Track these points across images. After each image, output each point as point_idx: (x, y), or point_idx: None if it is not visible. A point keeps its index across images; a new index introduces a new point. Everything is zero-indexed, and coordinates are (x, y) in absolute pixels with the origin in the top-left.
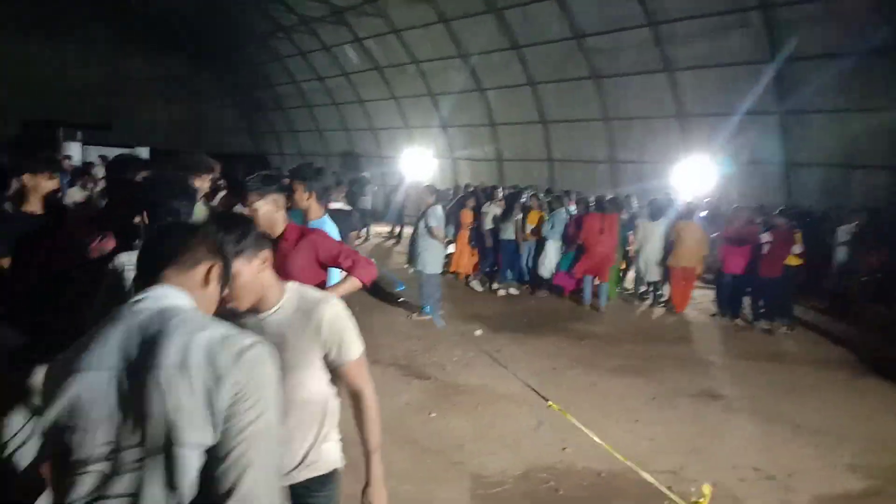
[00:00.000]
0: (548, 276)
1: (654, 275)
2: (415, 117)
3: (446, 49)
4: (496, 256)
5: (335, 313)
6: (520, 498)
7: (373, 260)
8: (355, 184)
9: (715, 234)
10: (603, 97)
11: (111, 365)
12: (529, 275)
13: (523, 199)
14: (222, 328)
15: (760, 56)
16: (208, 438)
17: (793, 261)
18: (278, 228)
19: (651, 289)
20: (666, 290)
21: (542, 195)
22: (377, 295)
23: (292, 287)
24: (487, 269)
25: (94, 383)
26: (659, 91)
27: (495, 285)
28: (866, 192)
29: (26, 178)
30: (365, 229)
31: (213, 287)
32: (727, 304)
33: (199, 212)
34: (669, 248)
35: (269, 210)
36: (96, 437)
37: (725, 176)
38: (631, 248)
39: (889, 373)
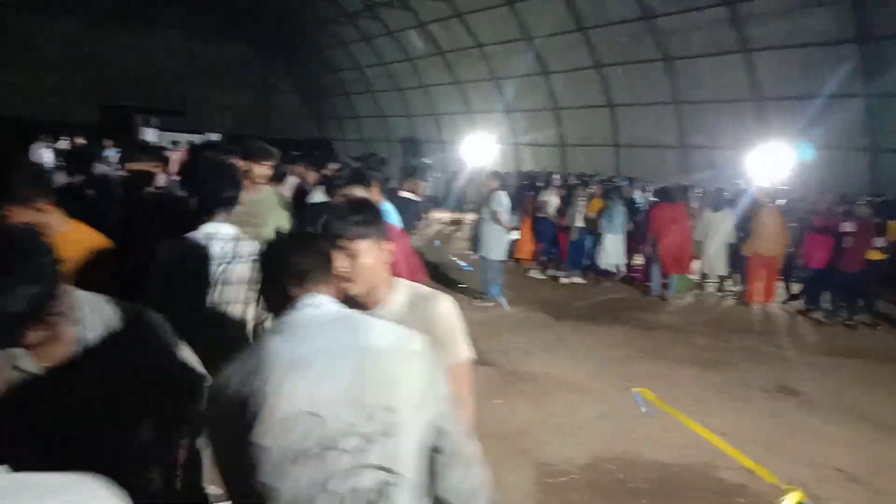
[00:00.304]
0: (606, 268)
1: (720, 267)
2: (477, 102)
3: (511, 32)
4: (558, 244)
5: (449, 310)
6: (585, 488)
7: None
8: (417, 170)
9: (793, 224)
10: (673, 80)
11: (326, 349)
12: (590, 264)
13: (591, 189)
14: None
15: (845, 35)
16: (436, 415)
17: (874, 255)
18: None
19: (719, 280)
20: (734, 282)
21: (602, 182)
22: (439, 280)
23: (403, 283)
24: (545, 258)
25: (317, 368)
26: (733, 73)
27: (557, 273)
28: None
29: (241, 163)
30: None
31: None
32: (806, 296)
33: (270, 197)
34: (744, 237)
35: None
36: (334, 419)
37: (804, 163)
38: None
39: None
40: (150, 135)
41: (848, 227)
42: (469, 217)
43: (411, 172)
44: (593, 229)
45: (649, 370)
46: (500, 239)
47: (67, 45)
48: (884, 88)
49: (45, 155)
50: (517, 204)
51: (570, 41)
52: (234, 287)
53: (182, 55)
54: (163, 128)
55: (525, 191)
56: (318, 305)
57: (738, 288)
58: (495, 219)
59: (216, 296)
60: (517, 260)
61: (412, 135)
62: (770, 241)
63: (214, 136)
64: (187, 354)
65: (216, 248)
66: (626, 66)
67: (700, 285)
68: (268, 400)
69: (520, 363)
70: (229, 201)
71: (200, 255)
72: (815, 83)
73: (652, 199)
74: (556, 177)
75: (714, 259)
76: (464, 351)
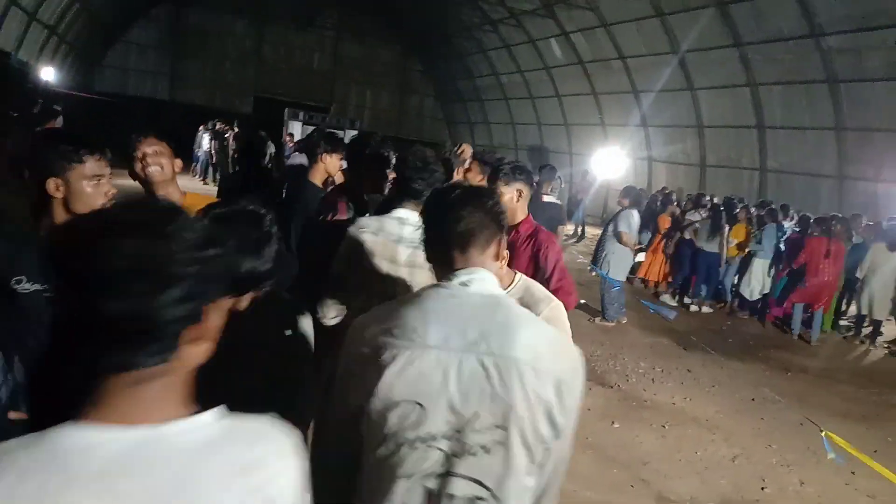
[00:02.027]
0: (751, 297)
1: (881, 311)
2: (612, 114)
3: (657, 44)
4: (692, 268)
5: (556, 316)
6: None
7: (576, 293)
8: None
9: None
10: (838, 104)
11: (458, 346)
12: (731, 293)
13: (735, 211)
14: (554, 330)
15: None
16: (549, 439)
17: None
18: (517, 218)
19: (873, 326)
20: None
21: (753, 208)
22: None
23: (522, 278)
24: (681, 282)
25: (442, 362)
26: None
27: (687, 299)
28: None
29: (324, 156)
30: (580, 227)
31: (500, 262)
32: None
33: None
34: None
35: (511, 198)
36: (437, 416)
37: None
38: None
39: None
40: (296, 128)
41: None
42: (592, 231)
43: (549, 174)
44: (737, 255)
45: (790, 417)
46: (624, 258)
47: (235, 41)
48: None
49: (204, 139)
50: (649, 222)
51: (722, 56)
52: (424, 272)
53: (332, 54)
54: (307, 122)
55: (659, 209)
56: (476, 283)
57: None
58: (619, 239)
59: (407, 277)
60: (645, 281)
61: (541, 143)
62: None
63: (353, 133)
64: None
65: (406, 232)
66: (784, 87)
67: (851, 329)
68: (385, 378)
69: (642, 389)
70: (418, 193)
71: (391, 234)
72: None
73: (808, 229)
74: (707, 198)
75: (876, 300)
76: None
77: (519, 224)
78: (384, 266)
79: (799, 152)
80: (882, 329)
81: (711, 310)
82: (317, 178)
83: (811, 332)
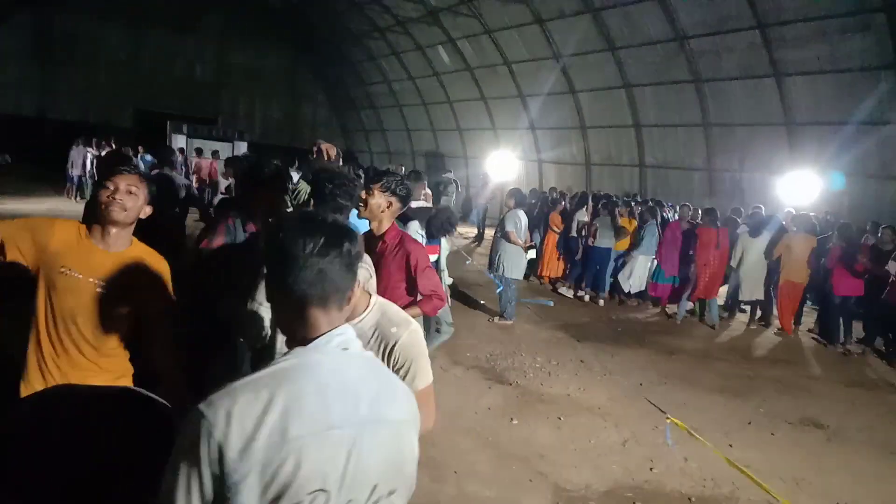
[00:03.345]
0: (631, 290)
1: (753, 293)
2: (502, 118)
3: (539, 50)
4: (584, 263)
5: (411, 339)
6: None
7: (447, 299)
8: (440, 184)
9: (827, 251)
10: (703, 102)
11: (356, 420)
12: (612, 286)
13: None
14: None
15: (883, 61)
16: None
17: None
18: (382, 227)
19: (748, 307)
20: (763, 309)
21: (633, 204)
22: (458, 297)
23: (377, 301)
24: (577, 276)
25: (345, 440)
26: (766, 97)
27: (580, 292)
28: None
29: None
30: (480, 229)
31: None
32: (836, 327)
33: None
34: (773, 264)
35: (379, 205)
36: (340, 498)
37: (837, 190)
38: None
39: None
40: (180, 141)
41: (893, 267)
42: (491, 233)
43: (417, 177)
44: (620, 249)
45: (673, 397)
46: (517, 258)
47: (109, 49)
48: None
49: (87, 156)
50: (540, 222)
51: (599, 60)
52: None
53: (218, 62)
54: (192, 135)
55: (552, 208)
56: (351, 344)
57: (764, 315)
58: (507, 239)
59: None
60: (541, 278)
61: (436, 149)
62: (798, 268)
63: (243, 145)
64: None
65: None
66: (655, 87)
67: (730, 309)
68: (283, 473)
69: (539, 384)
70: (341, 208)
71: None
72: (850, 109)
73: (698, 220)
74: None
75: (747, 284)
76: (425, 378)
77: (385, 233)
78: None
79: (672, 148)
80: (745, 308)
81: (603, 302)
82: None
83: (712, 316)
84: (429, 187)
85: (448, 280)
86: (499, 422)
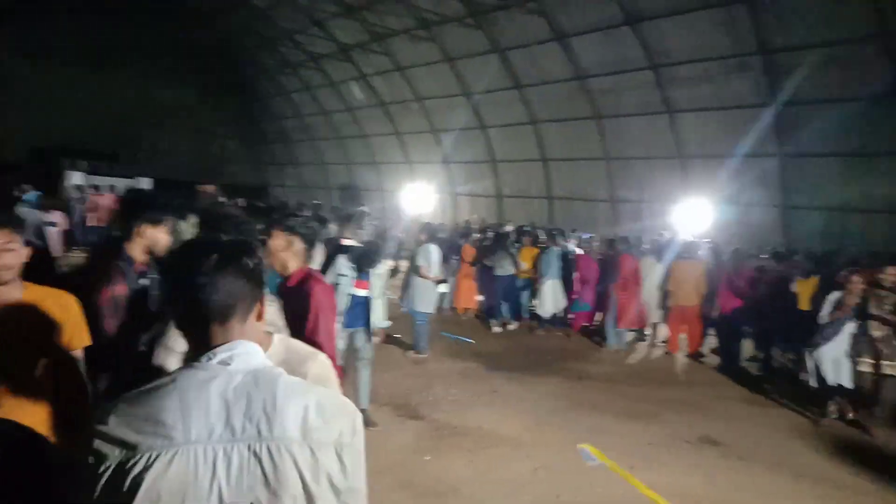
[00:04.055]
0: (545, 315)
1: (653, 316)
2: (416, 152)
3: (450, 87)
4: (493, 292)
5: (323, 372)
6: None
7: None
8: (354, 217)
9: (715, 275)
10: (604, 137)
11: (225, 436)
12: (528, 313)
13: (520, 237)
14: (323, 392)
15: (760, 100)
16: None
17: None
18: (288, 268)
19: (651, 330)
20: (663, 332)
21: (536, 232)
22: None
23: (279, 338)
24: (488, 306)
25: (209, 457)
26: (660, 132)
27: (492, 322)
28: (866, 236)
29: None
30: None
31: (260, 323)
32: (731, 347)
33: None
34: (665, 288)
35: (279, 245)
36: None
37: (725, 217)
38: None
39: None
40: (77, 178)
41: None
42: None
43: (347, 218)
44: (529, 278)
45: (582, 423)
46: (428, 292)
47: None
48: (795, 149)
49: None
50: (454, 253)
51: (507, 97)
52: None
53: (122, 98)
54: (92, 172)
55: (463, 240)
56: (238, 359)
57: (664, 338)
58: (419, 273)
59: None
60: (456, 310)
61: (351, 182)
62: (687, 292)
63: (146, 181)
64: None
65: None
66: (560, 123)
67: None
68: (143, 488)
69: (453, 417)
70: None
71: None
72: (734, 143)
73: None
74: (508, 228)
75: (649, 309)
76: None
77: (291, 275)
78: None
79: (578, 180)
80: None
81: (516, 328)
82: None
83: (608, 342)
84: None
85: (384, 322)
86: (413, 459)
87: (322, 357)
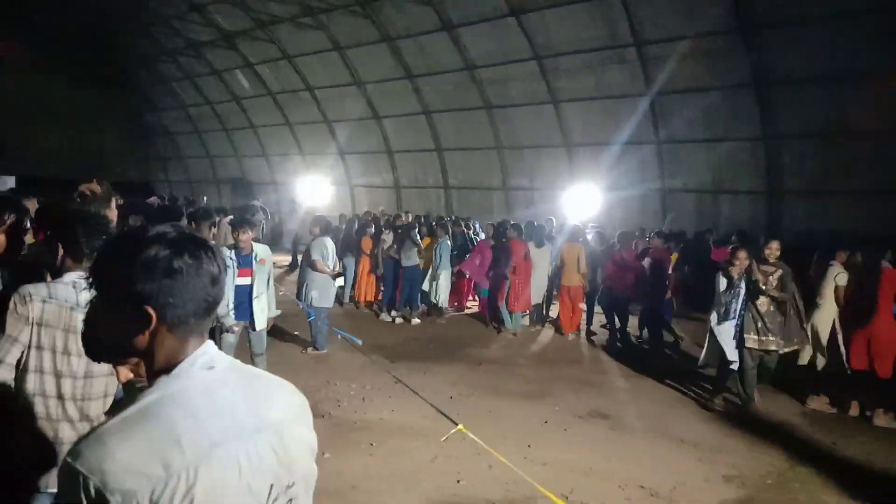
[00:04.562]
0: (441, 303)
1: (539, 298)
2: (310, 144)
3: (341, 76)
4: (397, 284)
5: None
6: None
7: None
8: (246, 211)
9: (601, 256)
10: (495, 126)
11: (240, 435)
12: (424, 302)
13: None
14: (278, 378)
15: (637, 90)
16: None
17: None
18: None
19: (541, 311)
20: (555, 313)
21: (433, 222)
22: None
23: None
24: (388, 298)
25: (232, 457)
26: (547, 121)
27: (393, 313)
28: (733, 216)
29: None
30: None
31: None
32: (611, 322)
33: None
34: (557, 270)
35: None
36: None
37: (609, 201)
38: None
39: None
40: None
41: (647, 262)
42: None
43: (206, 215)
44: (427, 267)
45: (481, 406)
46: (325, 286)
47: None
48: (670, 136)
49: None
50: (352, 246)
51: (399, 87)
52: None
53: None
54: None
55: (363, 231)
56: (212, 362)
57: (540, 317)
58: (314, 267)
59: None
60: (356, 302)
61: (242, 176)
62: (571, 272)
63: (10, 180)
64: None
65: (83, 298)
66: (452, 113)
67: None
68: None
69: (353, 412)
70: (90, 253)
71: (65, 300)
72: (616, 131)
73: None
74: (403, 217)
75: (535, 292)
76: None
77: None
78: (59, 338)
79: (472, 170)
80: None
81: (419, 320)
82: None
83: (506, 326)
84: (233, 215)
85: (273, 311)
86: None
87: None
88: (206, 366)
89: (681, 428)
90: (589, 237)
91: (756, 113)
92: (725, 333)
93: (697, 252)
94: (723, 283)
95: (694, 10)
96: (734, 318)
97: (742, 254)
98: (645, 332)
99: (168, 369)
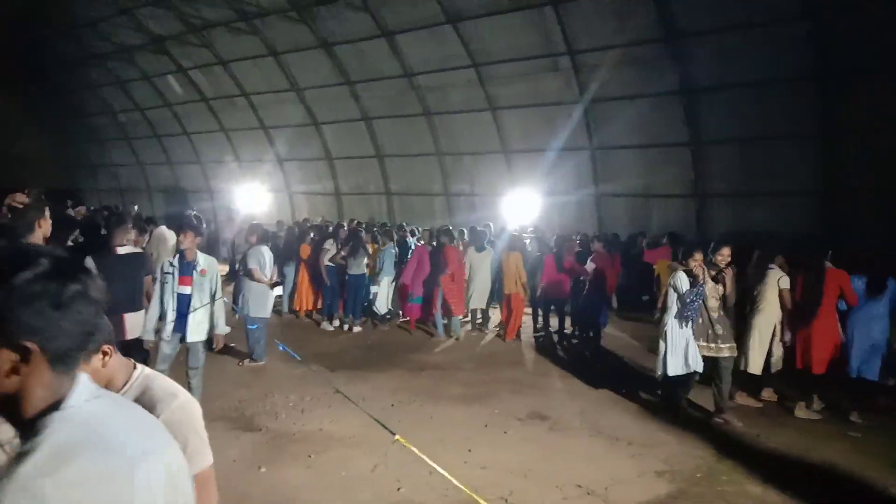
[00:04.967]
0: (380, 312)
1: (479, 303)
2: (247, 151)
3: (278, 82)
4: (340, 292)
5: (177, 417)
6: None
7: None
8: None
9: (538, 261)
10: (435, 133)
11: (144, 454)
12: (366, 310)
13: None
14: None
15: (572, 97)
16: None
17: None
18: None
19: (482, 317)
20: (496, 317)
21: (374, 228)
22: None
23: (143, 374)
24: (328, 305)
25: (145, 475)
26: (486, 128)
27: (335, 322)
28: (663, 219)
29: None
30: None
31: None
32: (548, 324)
33: None
34: (498, 276)
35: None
36: None
37: (548, 206)
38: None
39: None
40: None
41: (590, 266)
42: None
43: (120, 222)
44: (371, 274)
45: (422, 412)
46: (262, 295)
47: None
48: (603, 142)
49: None
50: (292, 254)
51: (338, 93)
52: None
53: None
54: None
55: (301, 239)
56: (96, 391)
57: (484, 321)
58: (251, 276)
59: None
60: (297, 312)
61: (175, 184)
62: (511, 279)
63: None
64: None
65: None
66: (393, 120)
67: (471, 320)
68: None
69: (292, 424)
70: None
71: None
72: (552, 137)
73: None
74: (344, 226)
75: (477, 296)
76: (201, 459)
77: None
78: None
79: (413, 176)
80: (490, 315)
81: (360, 328)
82: None
83: (439, 331)
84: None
85: (223, 328)
86: (247, 473)
87: (181, 401)
88: (92, 396)
89: (615, 426)
90: (528, 242)
91: (683, 119)
92: (680, 339)
93: (631, 255)
94: (684, 282)
95: (623, 20)
96: (693, 319)
97: (698, 255)
98: (581, 331)
99: (50, 409)
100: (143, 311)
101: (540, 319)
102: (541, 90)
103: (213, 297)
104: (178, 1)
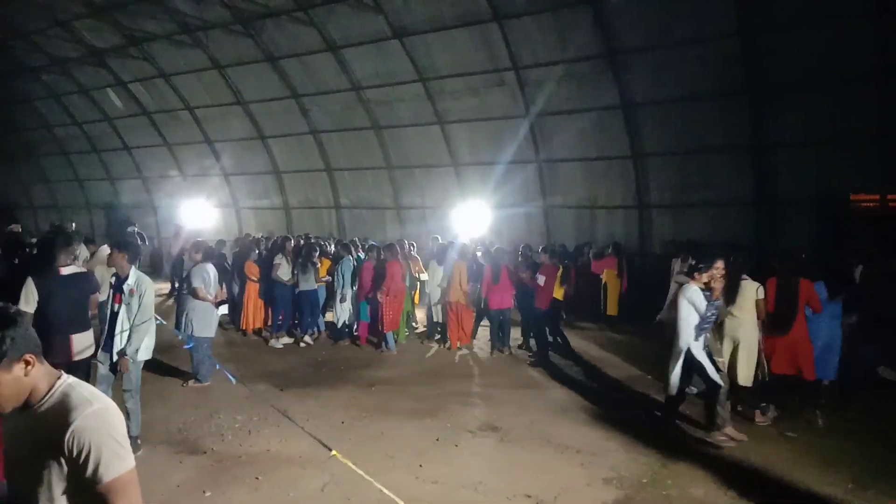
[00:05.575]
0: (339, 325)
1: (437, 315)
2: (192, 165)
3: (222, 96)
4: (293, 308)
5: (88, 423)
6: None
7: None
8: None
9: (478, 272)
10: (385, 146)
11: None
12: (322, 325)
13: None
14: None
15: (518, 111)
16: None
17: (558, 294)
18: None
19: (436, 328)
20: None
21: (330, 244)
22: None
23: (66, 383)
24: (279, 322)
25: None
26: (435, 141)
27: (284, 339)
28: (608, 229)
29: None
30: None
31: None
32: (497, 336)
33: None
34: (443, 287)
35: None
36: None
37: (497, 218)
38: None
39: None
40: None
41: (541, 279)
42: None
43: (66, 242)
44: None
45: (373, 428)
46: (207, 314)
47: None
48: (549, 155)
49: None
50: (237, 272)
51: (285, 107)
52: None
53: None
54: None
55: (246, 256)
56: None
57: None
58: (195, 295)
59: None
60: (244, 331)
61: (116, 200)
62: (455, 289)
63: None
64: None
65: None
66: (341, 133)
67: (427, 333)
68: None
69: (238, 445)
70: None
71: None
72: (499, 151)
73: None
74: (290, 241)
75: (434, 308)
76: (114, 468)
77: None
78: None
79: (363, 189)
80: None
81: (312, 343)
82: None
83: (387, 346)
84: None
85: (144, 353)
86: (191, 497)
87: (97, 408)
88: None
89: (564, 435)
90: (479, 255)
91: (624, 133)
92: (703, 356)
93: (578, 265)
94: (700, 298)
95: (564, 37)
96: (706, 332)
97: (720, 263)
98: (530, 342)
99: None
100: (90, 331)
101: (487, 330)
102: (488, 105)
103: (133, 319)
104: (117, 13)
